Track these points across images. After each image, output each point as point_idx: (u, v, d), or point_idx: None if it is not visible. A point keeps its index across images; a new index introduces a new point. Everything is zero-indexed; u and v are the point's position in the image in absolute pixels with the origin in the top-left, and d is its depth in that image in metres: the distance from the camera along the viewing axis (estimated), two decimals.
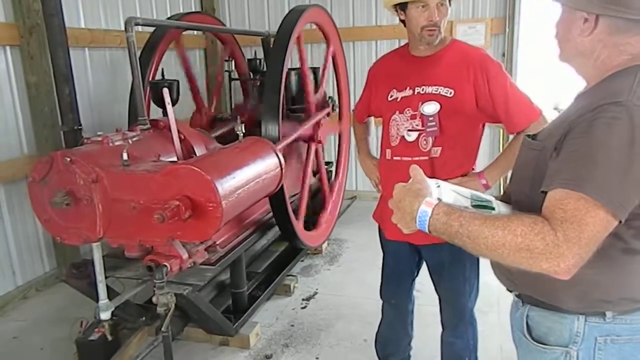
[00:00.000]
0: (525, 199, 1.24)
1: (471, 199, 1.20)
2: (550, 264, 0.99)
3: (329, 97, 4.15)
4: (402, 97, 2.04)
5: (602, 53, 1.18)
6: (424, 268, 2.27)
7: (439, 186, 1.21)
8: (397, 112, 2.05)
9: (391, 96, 2.08)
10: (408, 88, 2.03)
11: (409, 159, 2.00)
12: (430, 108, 1.95)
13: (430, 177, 1.24)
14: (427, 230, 1.14)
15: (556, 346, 1.24)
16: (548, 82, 6.27)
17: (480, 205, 1.19)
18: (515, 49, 5.19)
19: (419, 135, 1.99)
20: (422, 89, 1.99)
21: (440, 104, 1.94)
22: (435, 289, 2.24)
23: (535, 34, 5.17)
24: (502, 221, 1.06)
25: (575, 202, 1.01)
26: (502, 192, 1.42)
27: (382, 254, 2.36)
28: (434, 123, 1.95)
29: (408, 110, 2.01)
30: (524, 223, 1.03)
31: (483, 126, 2.08)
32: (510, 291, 1.40)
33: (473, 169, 2.08)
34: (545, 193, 1.08)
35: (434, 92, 1.96)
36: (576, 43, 1.21)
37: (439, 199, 1.17)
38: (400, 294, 2.36)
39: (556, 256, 0.98)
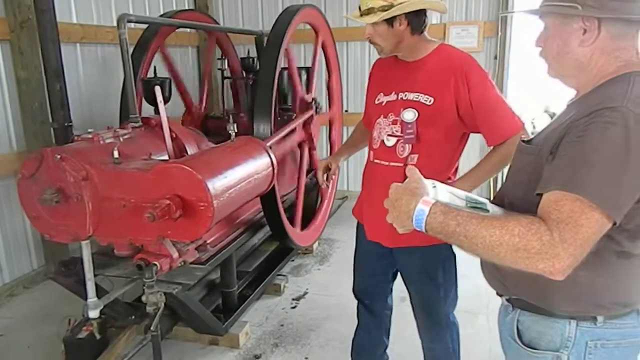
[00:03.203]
0: (519, 203, 1.25)
1: (466, 200, 1.21)
2: (546, 264, 1.00)
3: (313, 99, 4.07)
4: (387, 102, 2.04)
5: (598, 61, 1.20)
6: None
7: (435, 186, 1.21)
8: (381, 116, 2.04)
9: (378, 99, 2.08)
10: (393, 93, 2.02)
11: (387, 163, 2.01)
12: (410, 115, 1.93)
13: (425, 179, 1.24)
14: (423, 229, 1.15)
15: (547, 351, 1.26)
16: (539, 85, 6.33)
17: (475, 207, 1.20)
18: (507, 52, 5.22)
19: (397, 141, 1.98)
20: (405, 95, 1.97)
21: (418, 112, 1.92)
22: (409, 294, 2.22)
23: (527, 38, 5.21)
24: (499, 221, 1.07)
25: (571, 204, 1.02)
26: (492, 197, 1.43)
27: None
28: (412, 130, 1.93)
29: (391, 115, 2.01)
30: (521, 223, 1.04)
31: (466, 136, 2.04)
32: (501, 295, 1.40)
33: (449, 178, 2.05)
34: (541, 195, 1.09)
35: (414, 99, 1.94)
36: (576, 54, 1.21)
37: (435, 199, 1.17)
38: (375, 295, 2.35)
39: (552, 256, 1.00)
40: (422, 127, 1.93)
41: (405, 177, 1.94)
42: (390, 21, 1.89)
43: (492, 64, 5.27)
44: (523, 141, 1.33)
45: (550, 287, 1.15)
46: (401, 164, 1.97)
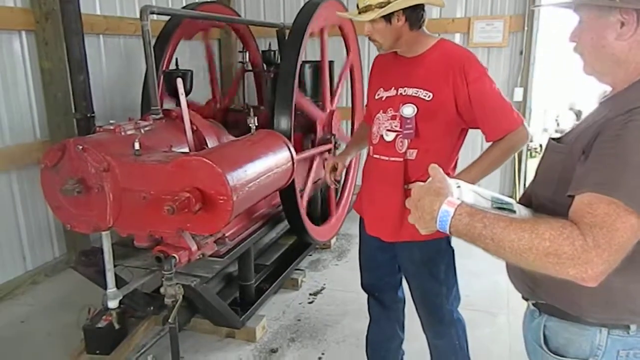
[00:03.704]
0: (548, 203, 1.21)
1: (492, 201, 1.17)
2: (578, 270, 0.96)
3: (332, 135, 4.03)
4: (386, 97, 2.04)
5: (637, 56, 1.14)
6: None
7: (459, 186, 1.17)
8: (381, 111, 2.05)
9: (378, 95, 2.08)
10: (393, 88, 2.01)
11: (386, 158, 2.01)
12: (409, 110, 1.93)
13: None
14: (447, 231, 1.10)
15: (575, 359, 1.21)
16: (566, 81, 6.20)
17: (501, 208, 1.16)
18: (534, 48, 5.08)
19: (396, 136, 1.98)
20: (404, 90, 1.97)
21: (417, 107, 1.92)
22: (410, 289, 2.20)
23: (555, 33, 5.09)
24: (529, 224, 1.02)
25: (606, 207, 0.97)
26: (518, 198, 1.39)
27: None
28: (410, 126, 1.93)
29: (390, 110, 2.00)
30: (552, 227, 0.99)
31: (465, 132, 2.03)
32: (527, 299, 1.36)
33: (448, 173, 2.03)
34: (573, 197, 1.04)
35: (413, 94, 1.94)
36: (613, 48, 1.15)
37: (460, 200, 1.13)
38: (383, 287, 2.34)
39: (584, 262, 0.95)
40: (421, 122, 1.93)
41: (405, 172, 1.95)
42: (388, 18, 1.89)
43: (517, 59, 5.16)
44: (553, 139, 1.28)
45: (581, 293, 1.11)
46: (400, 159, 1.98)
